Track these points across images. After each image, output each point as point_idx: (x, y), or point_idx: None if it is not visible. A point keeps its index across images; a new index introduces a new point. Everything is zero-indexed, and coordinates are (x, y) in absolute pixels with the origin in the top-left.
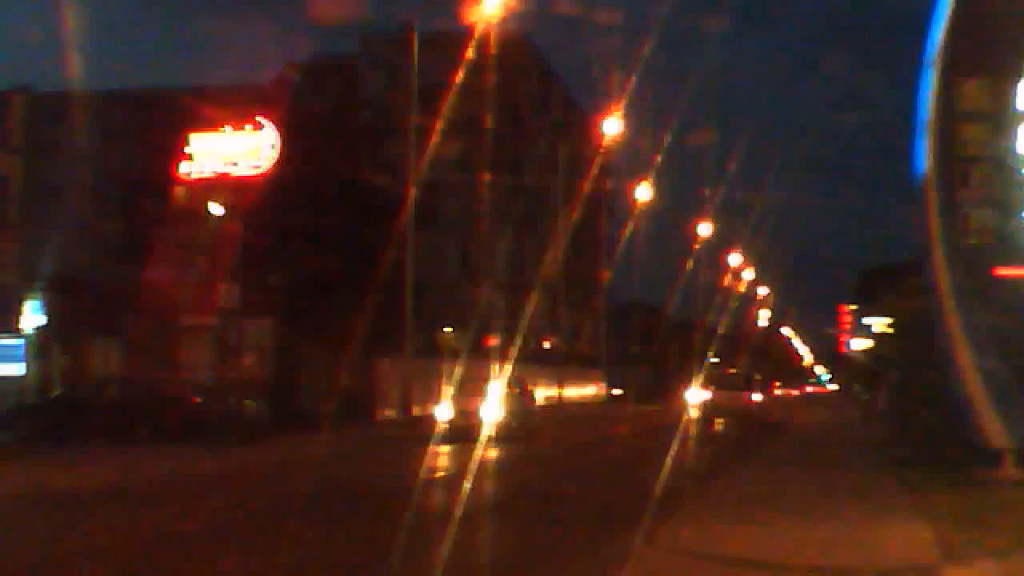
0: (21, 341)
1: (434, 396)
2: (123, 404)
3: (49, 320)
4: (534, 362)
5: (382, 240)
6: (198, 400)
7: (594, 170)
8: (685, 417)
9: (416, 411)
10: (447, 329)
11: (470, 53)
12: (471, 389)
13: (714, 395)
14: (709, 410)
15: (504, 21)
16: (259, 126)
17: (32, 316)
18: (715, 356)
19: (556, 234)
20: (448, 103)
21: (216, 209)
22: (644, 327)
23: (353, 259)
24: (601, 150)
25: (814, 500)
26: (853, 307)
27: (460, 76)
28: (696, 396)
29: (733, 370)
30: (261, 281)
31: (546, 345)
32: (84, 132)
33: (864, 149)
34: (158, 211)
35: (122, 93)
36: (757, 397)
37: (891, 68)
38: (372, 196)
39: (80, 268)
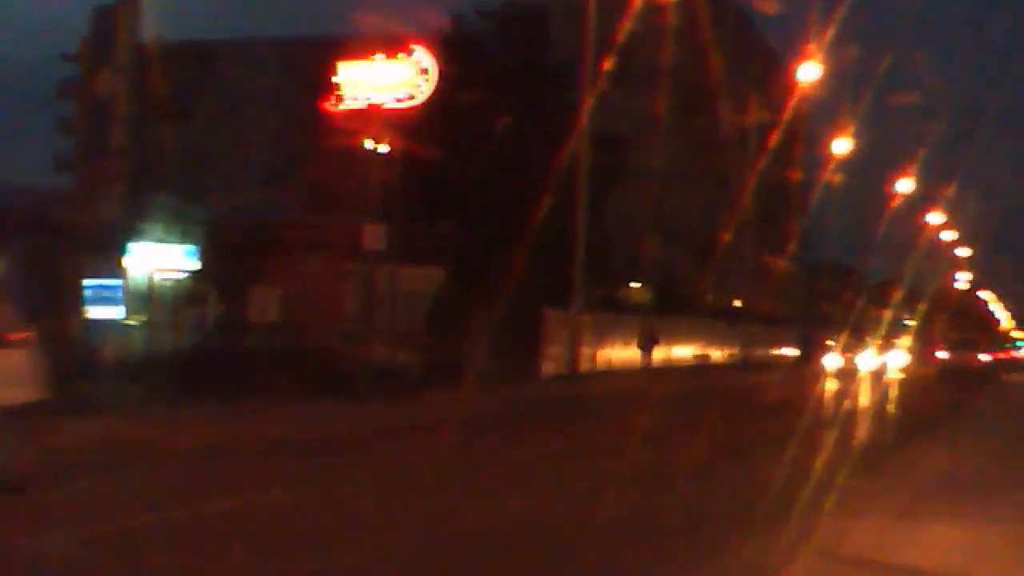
0: (119, 282)
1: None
2: (263, 355)
3: (204, 265)
4: (724, 321)
5: (556, 191)
6: (346, 351)
7: (789, 124)
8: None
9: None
10: (634, 284)
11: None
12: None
13: (950, 356)
14: (946, 370)
15: None
16: (411, 52)
17: (186, 260)
18: (912, 319)
19: (748, 191)
20: (638, 53)
21: (368, 143)
22: (837, 287)
23: (524, 208)
24: (798, 104)
25: None
26: None
27: (652, 24)
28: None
29: (963, 335)
30: (417, 224)
31: (736, 303)
32: (233, 77)
33: None
34: (307, 148)
35: (268, 40)
36: (984, 357)
37: None
38: (548, 146)
39: (233, 212)
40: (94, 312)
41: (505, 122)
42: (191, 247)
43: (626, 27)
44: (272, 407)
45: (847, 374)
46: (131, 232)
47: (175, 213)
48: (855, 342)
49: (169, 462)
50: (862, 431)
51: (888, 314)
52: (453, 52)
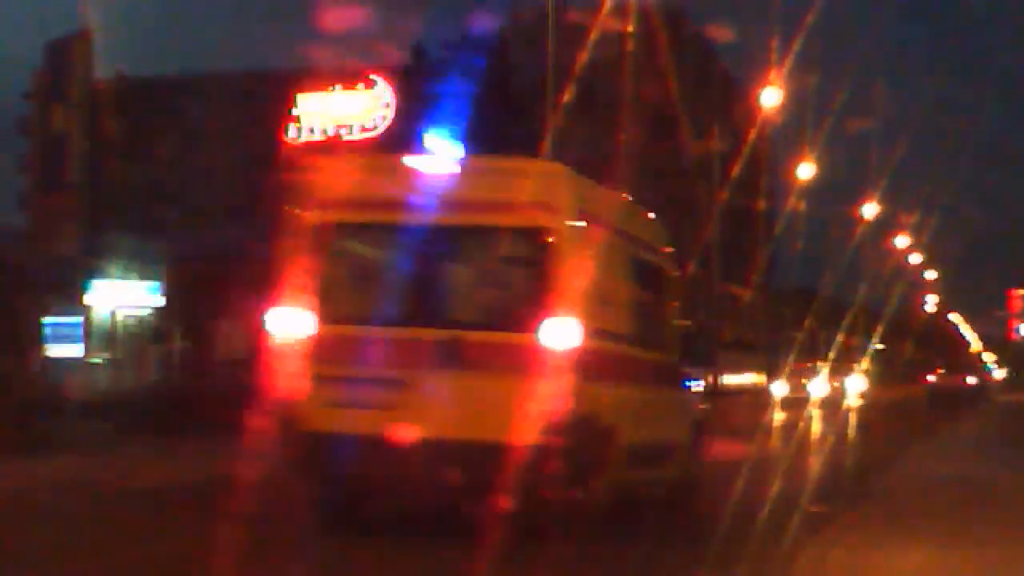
0: (79, 320)
1: None
2: (228, 391)
3: (168, 302)
4: None
5: None
6: None
7: (752, 151)
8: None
9: None
10: None
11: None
12: None
13: (938, 378)
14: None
15: None
16: (372, 83)
17: (149, 297)
18: (880, 342)
19: (714, 215)
20: (600, 81)
21: None
22: (804, 312)
23: None
24: (761, 130)
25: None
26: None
27: (614, 53)
28: (856, 384)
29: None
30: None
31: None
32: (195, 112)
33: None
34: (270, 181)
35: (227, 73)
36: (972, 380)
37: None
38: None
39: (196, 247)
40: (53, 350)
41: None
42: (154, 283)
43: (587, 56)
44: (236, 445)
45: (799, 402)
46: (92, 269)
47: (137, 249)
48: (814, 368)
49: (123, 503)
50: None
51: (843, 338)
52: (414, 83)
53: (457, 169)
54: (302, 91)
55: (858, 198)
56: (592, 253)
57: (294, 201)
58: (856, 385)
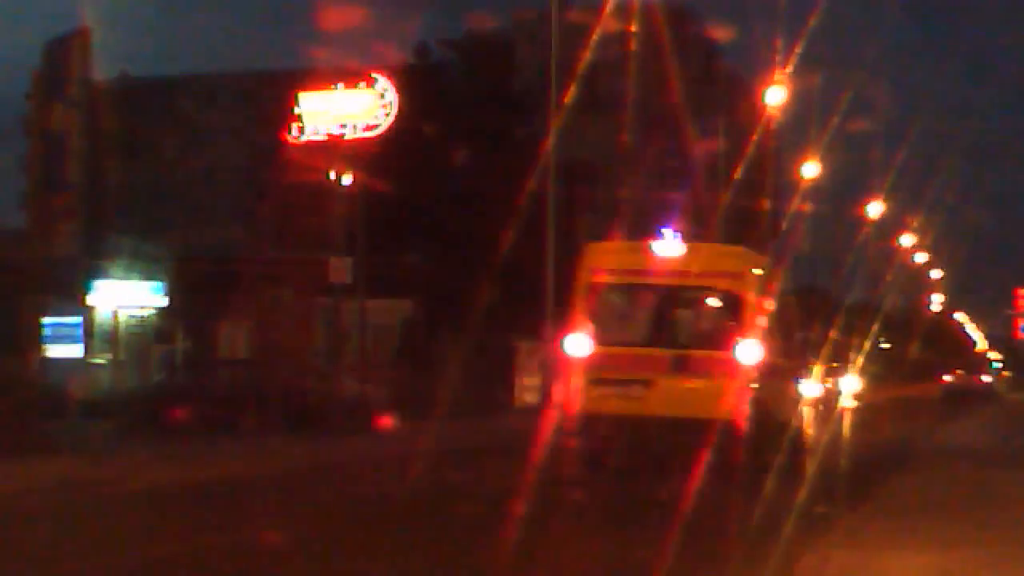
0: (78, 320)
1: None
2: (230, 391)
3: (171, 302)
4: None
5: (524, 219)
6: (311, 386)
7: (757, 150)
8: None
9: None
10: None
11: (632, 27)
12: None
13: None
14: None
15: None
16: (373, 81)
17: (152, 297)
18: (886, 342)
19: (719, 214)
20: (605, 81)
21: (331, 175)
22: (810, 311)
23: (492, 238)
24: (766, 129)
25: None
26: None
27: (618, 52)
28: (850, 384)
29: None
30: (385, 257)
31: None
32: (199, 113)
33: None
34: (273, 182)
35: (229, 74)
36: (987, 379)
37: None
38: (515, 174)
39: (200, 248)
40: (53, 351)
41: (466, 153)
42: (157, 284)
43: (591, 56)
44: (237, 445)
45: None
46: (94, 269)
47: (140, 249)
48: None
49: (120, 505)
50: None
51: (843, 337)
52: (417, 81)
53: (682, 250)
54: (303, 90)
55: (863, 198)
56: (762, 300)
57: (583, 267)
58: (850, 385)
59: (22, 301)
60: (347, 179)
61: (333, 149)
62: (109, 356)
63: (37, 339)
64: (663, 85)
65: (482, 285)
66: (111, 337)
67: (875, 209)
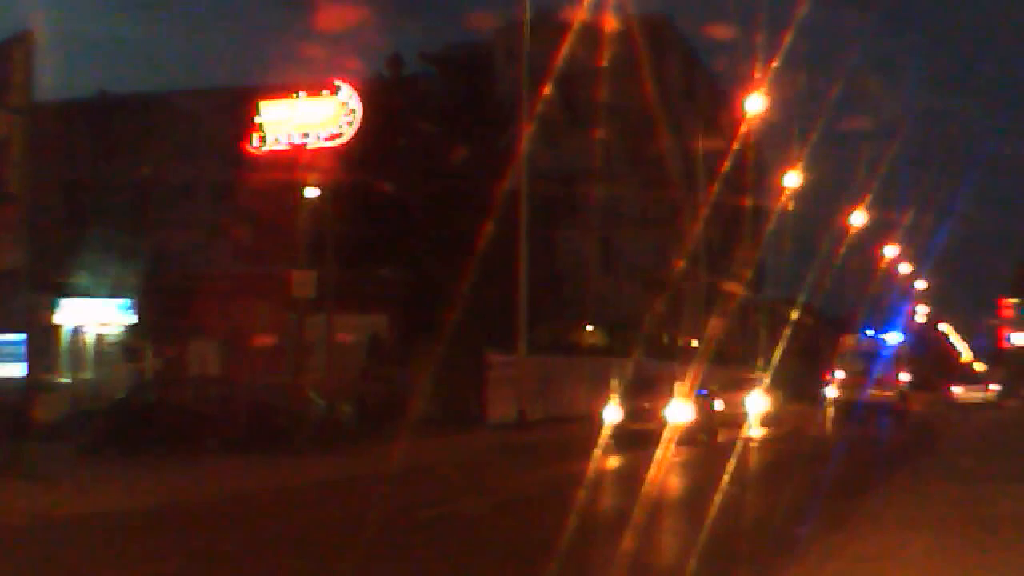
0: (22, 337)
1: (562, 398)
2: (199, 410)
3: (140, 319)
4: (681, 361)
5: (498, 231)
6: (281, 403)
7: (738, 158)
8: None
9: (538, 415)
10: (588, 327)
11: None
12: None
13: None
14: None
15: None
16: (336, 89)
17: (120, 314)
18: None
19: (700, 226)
20: (585, 89)
21: (305, 188)
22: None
23: (466, 250)
24: (747, 136)
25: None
26: (1014, 300)
27: (598, 60)
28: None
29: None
30: (356, 270)
31: (693, 343)
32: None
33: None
34: (244, 195)
35: (210, 91)
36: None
37: None
38: (490, 185)
39: (170, 264)
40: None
41: (440, 165)
42: (125, 300)
43: (565, 67)
44: (194, 467)
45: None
46: (56, 286)
47: (108, 267)
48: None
49: (66, 532)
50: None
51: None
52: (389, 93)
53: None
54: (265, 99)
55: (846, 207)
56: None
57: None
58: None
59: None
60: (312, 190)
61: (296, 159)
62: (77, 375)
63: None
64: (643, 95)
65: (455, 297)
66: (79, 356)
67: (858, 218)
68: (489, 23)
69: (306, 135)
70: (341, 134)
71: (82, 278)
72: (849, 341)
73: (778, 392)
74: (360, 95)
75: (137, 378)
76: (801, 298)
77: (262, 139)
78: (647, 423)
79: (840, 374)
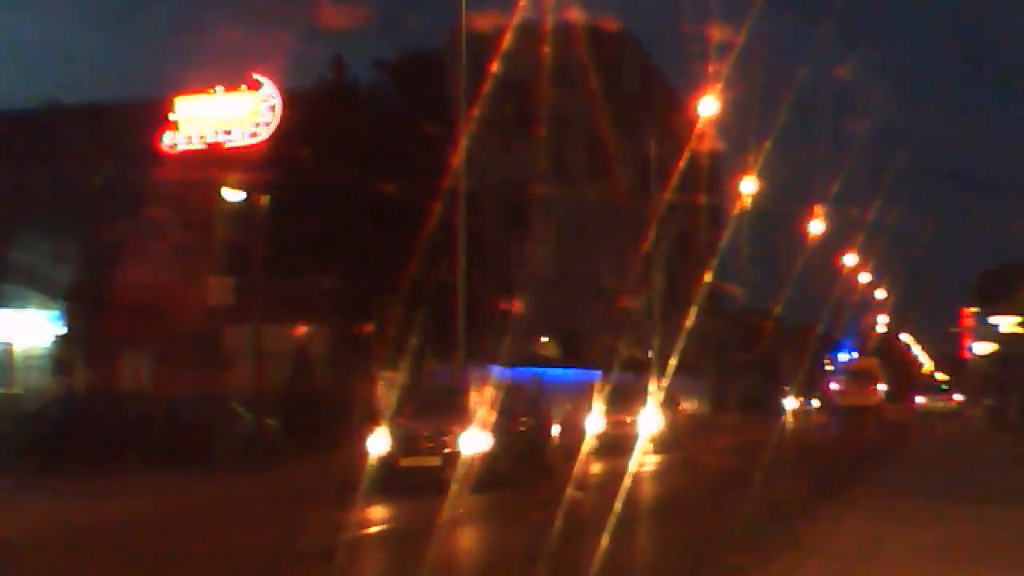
0: None
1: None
2: (122, 425)
3: (70, 330)
4: (633, 372)
5: (439, 240)
6: (204, 419)
7: (692, 165)
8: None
9: None
10: (543, 339)
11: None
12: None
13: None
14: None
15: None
16: (257, 85)
17: (51, 327)
18: (831, 364)
19: (657, 235)
20: (537, 98)
21: (222, 189)
22: (752, 334)
23: (404, 259)
24: (702, 143)
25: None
26: (975, 309)
27: (549, 68)
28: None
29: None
30: (287, 280)
31: (649, 354)
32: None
33: (984, 153)
34: (146, 196)
35: (110, 104)
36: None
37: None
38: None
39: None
40: None
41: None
42: (55, 312)
43: (520, 70)
44: (112, 482)
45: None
46: None
47: (38, 276)
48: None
49: None
50: None
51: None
52: (330, 95)
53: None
54: (179, 94)
55: (804, 218)
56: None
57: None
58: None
59: None
60: (235, 193)
61: (212, 158)
62: (3, 389)
63: None
64: (597, 101)
65: (394, 307)
66: (5, 369)
67: (816, 227)
68: (443, 33)
69: (226, 133)
70: (259, 132)
71: (10, 288)
72: (840, 359)
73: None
74: (289, 95)
75: (67, 391)
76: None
77: (180, 137)
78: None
79: (835, 385)
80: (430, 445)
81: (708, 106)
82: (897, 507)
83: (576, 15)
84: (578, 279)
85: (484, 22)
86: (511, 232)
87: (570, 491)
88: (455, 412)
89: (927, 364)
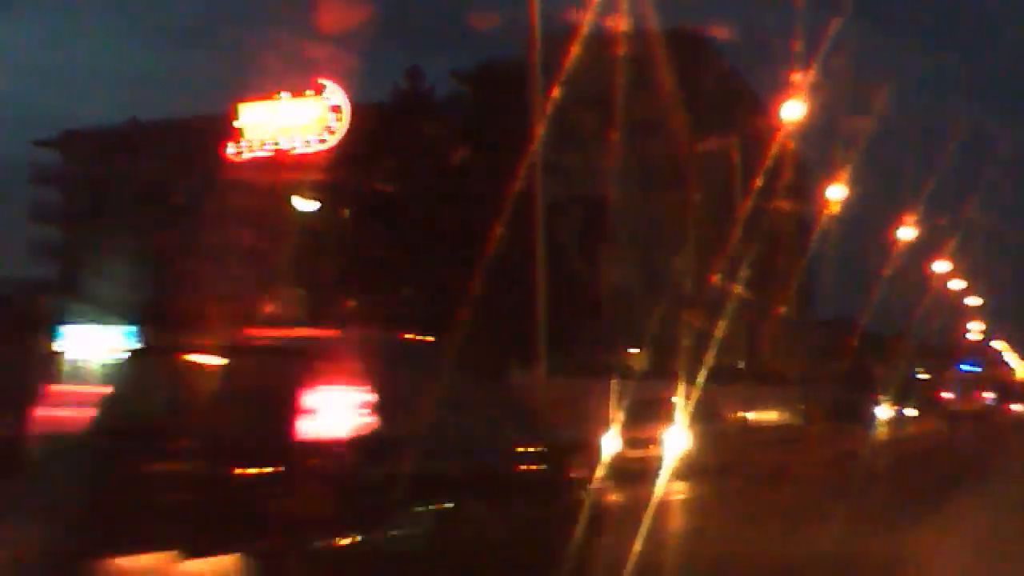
0: None
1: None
2: None
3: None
4: (724, 383)
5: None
6: None
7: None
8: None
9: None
10: (632, 349)
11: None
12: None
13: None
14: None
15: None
16: (321, 88)
17: (126, 343)
18: (924, 372)
19: (744, 244)
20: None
21: (297, 201)
22: (841, 342)
23: (480, 267)
24: (787, 152)
25: None
26: None
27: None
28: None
29: None
30: (351, 288)
31: (740, 365)
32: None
33: None
34: (217, 209)
35: (186, 120)
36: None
37: None
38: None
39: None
40: None
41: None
42: (131, 328)
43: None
44: None
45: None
46: (61, 312)
47: (114, 292)
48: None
49: None
50: None
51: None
52: (407, 104)
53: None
54: (243, 101)
55: (893, 224)
56: None
57: None
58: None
59: None
60: (304, 202)
61: (278, 165)
62: None
63: None
64: (676, 108)
65: (474, 319)
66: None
67: (906, 234)
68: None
69: (292, 139)
70: (327, 138)
71: (87, 305)
72: (955, 372)
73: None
74: (362, 108)
75: None
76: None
77: (244, 145)
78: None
79: (948, 394)
80: (645, 442)
81: (793, 111)
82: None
83: (654, 20)
84: (662, 289)
85: (562, 30)
86: (593, 242)
87: None
88: (659, 416)
89: (1020, 371)
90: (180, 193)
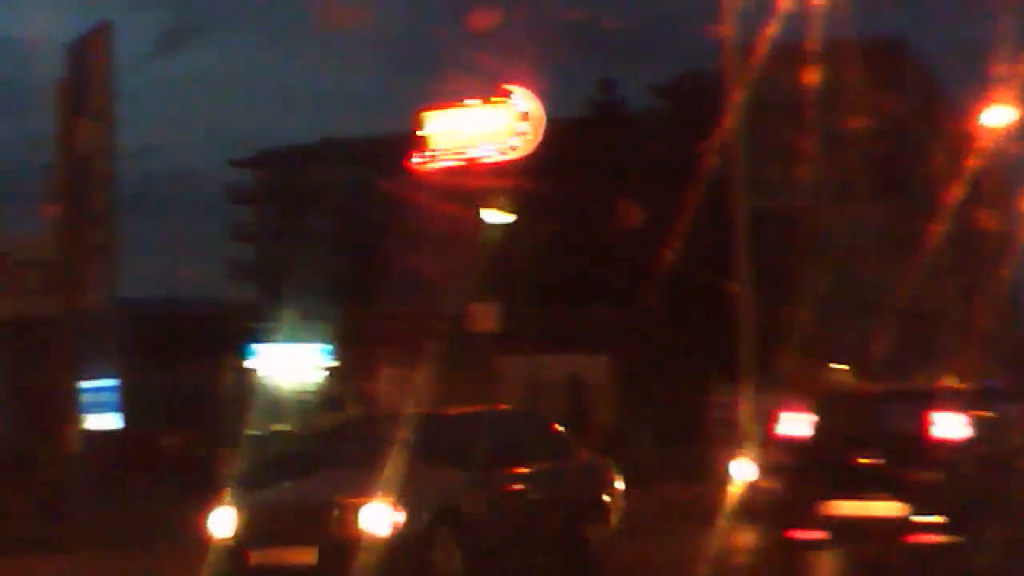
0: (114, 382)
1: None
2: None
3: (341, 367)
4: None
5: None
6: None
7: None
8: None
9: None
10: (837, 365)
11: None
12: None
13: None
14: None
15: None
16: (507, 93)
17: (321, 360)
18: None
19: (948, 255)
20: (818, 119)
21: (488, 214)
22: None
23: (674, 282)
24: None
25: None
26: None
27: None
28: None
29: None
30: (548, 303)
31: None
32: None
33: None
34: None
35: (378, 138)
36: None
37: None
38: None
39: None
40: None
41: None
42: (326, 347)
43: (801, 88)
44: None
45: None
46: (253, 329)
47: (309, 311)
48: None
49: None
50: None
51: None
52: (601, 117)
53: None
54: (428, 109)
55: None
56: None
57: None
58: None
59: (53, 364)
60: (495, 215)
61: (467, 175)
62: (274, 426)
63: (73, 407)
64: (880, 118)
65: (673, 336)
66: (276, 404)
67: None
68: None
69: (478, 147)
70: (517, 146)
71: (282, 324)
72: None
73: None
74: (556, 122)
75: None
76: None
77: (429, 155)
78: None
79: None
80: None
81: (995, 117)
82: None
83: (854, 29)
84: (866, 302)
85: (760, 41)
86: (796, 255)
87: None
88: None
89: None
90: (369, 209)
